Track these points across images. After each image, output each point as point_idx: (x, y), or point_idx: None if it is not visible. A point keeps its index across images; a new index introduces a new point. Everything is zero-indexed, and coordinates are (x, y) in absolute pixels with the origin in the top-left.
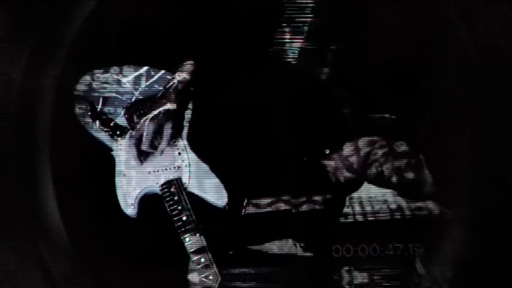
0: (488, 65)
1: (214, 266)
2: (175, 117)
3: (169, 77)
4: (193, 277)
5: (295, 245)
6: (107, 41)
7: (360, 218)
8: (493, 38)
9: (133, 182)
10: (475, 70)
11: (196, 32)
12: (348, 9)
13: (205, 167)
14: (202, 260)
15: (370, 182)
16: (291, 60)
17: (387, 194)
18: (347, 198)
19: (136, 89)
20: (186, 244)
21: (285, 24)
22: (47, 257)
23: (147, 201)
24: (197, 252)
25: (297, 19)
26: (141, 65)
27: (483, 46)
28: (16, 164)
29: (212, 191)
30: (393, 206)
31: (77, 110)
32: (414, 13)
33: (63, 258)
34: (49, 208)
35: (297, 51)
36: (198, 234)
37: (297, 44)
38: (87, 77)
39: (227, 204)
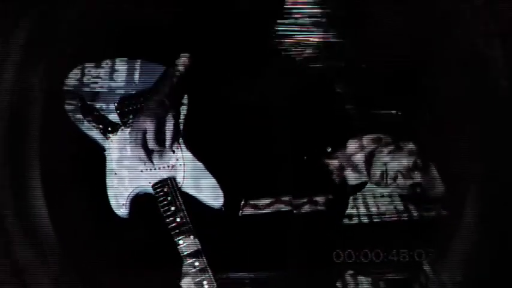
0: (487, 66)
1: (209, 270)
2: (171, 112)
3: (163, 70)
4: (187, 282)
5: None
6: (101, 38)
7: (365, 219)
8: (493, 38)
9: (125, 181)
10: (475, 70)
11: (193, 27)
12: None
13: (200, 166)
14: (197, 263)
15: (374, 183)
16: (291, 56)
17: (393, 193)
18: (351, 198)
19: (129, 84)
20: (179, 247)
21: (287, 20)
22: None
23: (139, 201)
24: (191, 255)
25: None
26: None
27: (482, 46)
28: (5, 164)
29: (208, 191)
30: (400, 207)
31: (68, 106)
32: (414, 13)
33: (51, 257)
34: (37, 208)
35: (299, 47)
36: (192, 237)
37: (299, 40)
38: (78, 71)
39: (223, 205)
